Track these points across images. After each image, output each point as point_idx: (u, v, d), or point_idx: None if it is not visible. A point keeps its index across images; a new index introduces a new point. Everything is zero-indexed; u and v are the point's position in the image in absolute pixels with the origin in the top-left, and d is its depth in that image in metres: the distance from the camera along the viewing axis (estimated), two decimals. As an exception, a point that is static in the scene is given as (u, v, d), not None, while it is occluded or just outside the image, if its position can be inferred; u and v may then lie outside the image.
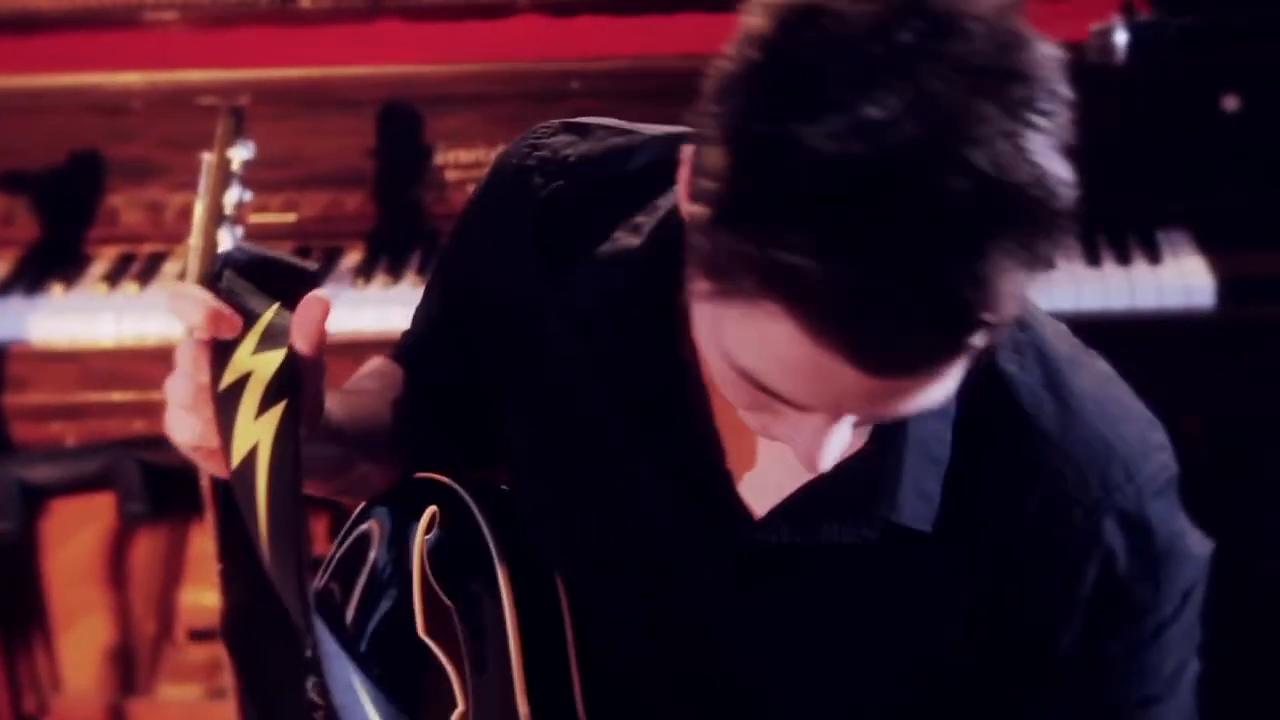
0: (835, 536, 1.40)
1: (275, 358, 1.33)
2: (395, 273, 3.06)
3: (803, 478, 1.39)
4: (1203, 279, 2.80)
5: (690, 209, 1.20)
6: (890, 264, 1.09)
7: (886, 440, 1.38)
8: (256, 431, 1.31)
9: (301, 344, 1.33)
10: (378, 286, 3.03)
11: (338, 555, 1.68)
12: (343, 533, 1.69)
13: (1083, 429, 1.38)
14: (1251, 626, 2.64)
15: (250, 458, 1.32)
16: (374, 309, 2.94)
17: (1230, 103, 2.85)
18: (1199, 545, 1.43)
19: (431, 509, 1.58)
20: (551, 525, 1.56)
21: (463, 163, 3.10)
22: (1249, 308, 2.75)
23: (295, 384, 1.33)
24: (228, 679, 3.30)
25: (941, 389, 1.22)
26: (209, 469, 1.40)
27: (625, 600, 1.54)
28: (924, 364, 1.17)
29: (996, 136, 1.09)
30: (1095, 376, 1.42)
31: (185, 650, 3.72)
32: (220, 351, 1.34)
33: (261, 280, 1.37)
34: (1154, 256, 2.85)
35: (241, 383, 1.33)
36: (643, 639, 1.54)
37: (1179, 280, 2.79)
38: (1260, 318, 2.74)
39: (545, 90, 3.08)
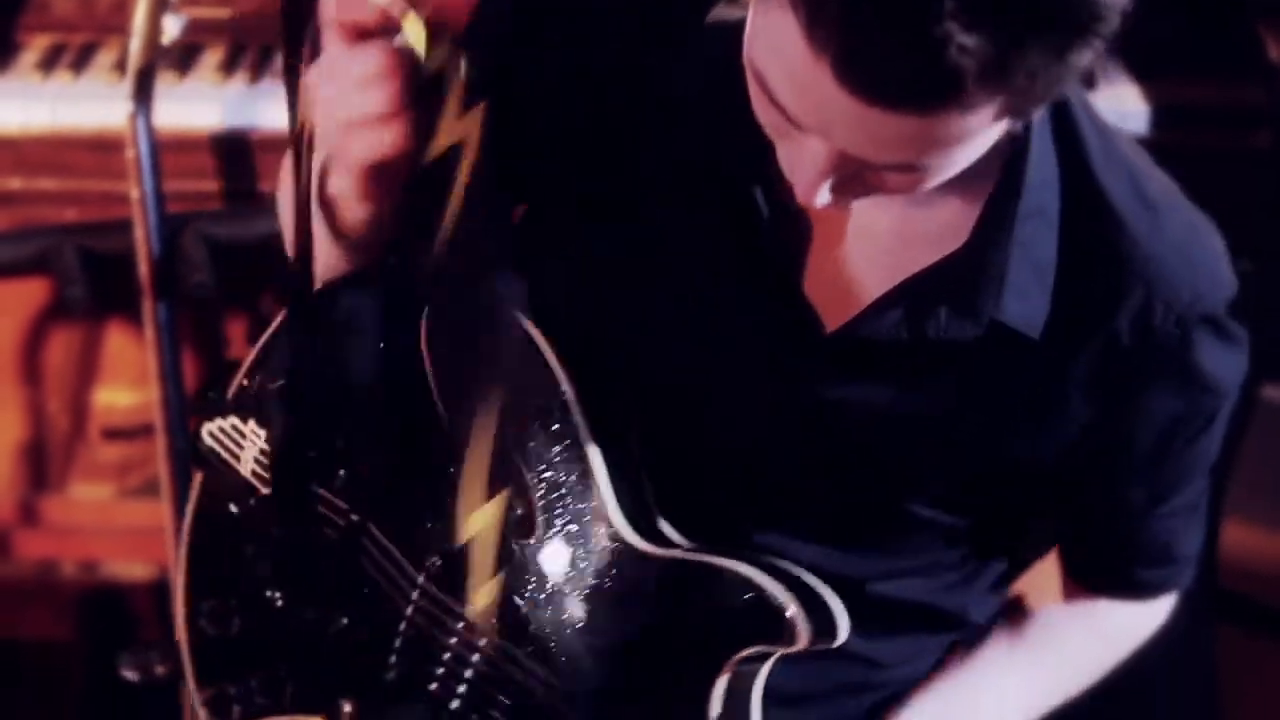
0: (941, 331, 1.42)
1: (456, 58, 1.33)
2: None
3: (899, 275, 1.41)
4: (1136, 105, 2.83)
5: None
6: None
7: (989, 239, 1.40)
8: (460, 128, 1.33)
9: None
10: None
11: None
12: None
13: (1170, 238, 1.43)
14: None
15: (452, 153, 1.33)
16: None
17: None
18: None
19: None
20: (624, 324, 1.57)
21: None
22: (1181, 133, 2.79)
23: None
24: (139, 479, 3.31)
25: (940, 149, 1.23)
26: (367, 191, 1.37)
27: (714, 395, 1.55)
28: (905, 97, 1.17)
29: None
30: (1167, 185, 1.47)
31: (98, 449, 3.69)
32: None
33: None
34: (1089, 82, 2.88)
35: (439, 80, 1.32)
36: (735, 435, 1.56)
37: (1114, 106, 2.82)
38: (1192, 143, 2.78)
39: None
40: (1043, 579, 1.69)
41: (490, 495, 1.47)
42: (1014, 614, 1.70)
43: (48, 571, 3.65)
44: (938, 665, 1.67)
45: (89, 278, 2.81)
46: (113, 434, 3.58)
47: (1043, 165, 1.39)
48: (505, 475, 1.47)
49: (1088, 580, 1.66)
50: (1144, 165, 1.46)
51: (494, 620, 1.54)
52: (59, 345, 3.66)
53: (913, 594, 1.59)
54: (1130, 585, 1.64)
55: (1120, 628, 1.68)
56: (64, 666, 3.47)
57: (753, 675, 1.48)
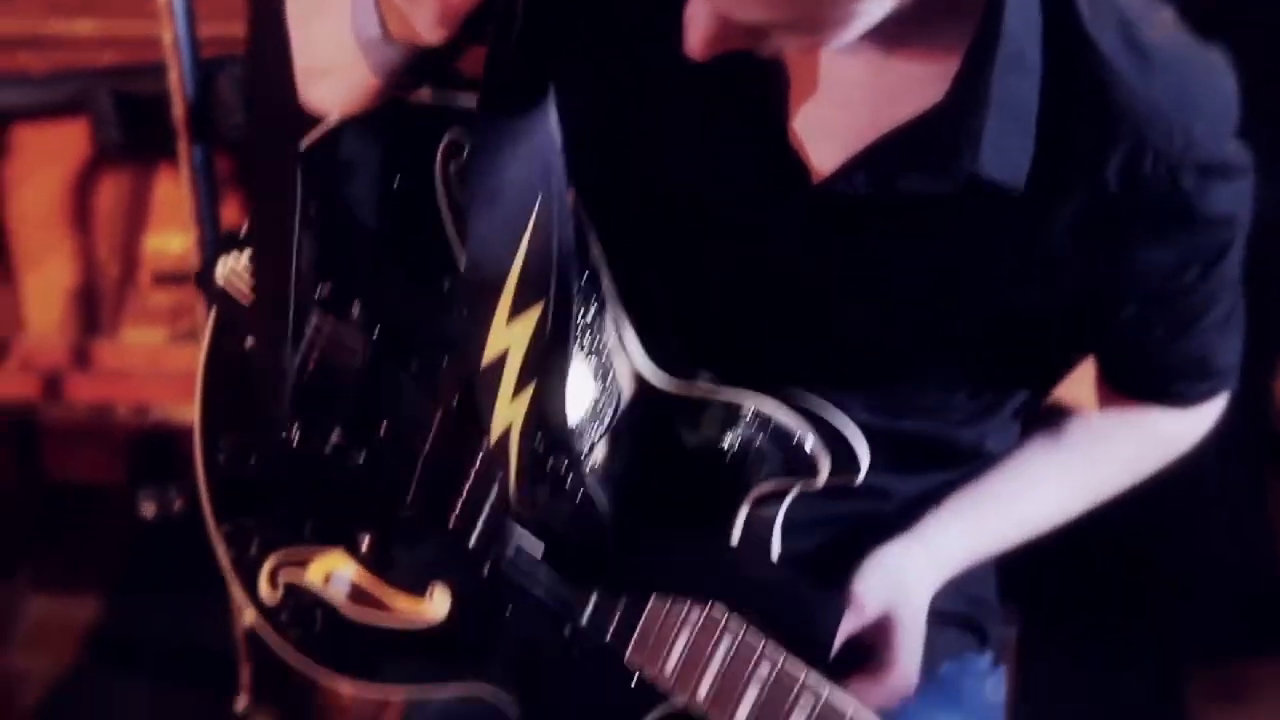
0: (914, 187, 1.39)
1: None
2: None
3: (878, 130, 1.39)
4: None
5: None
6: None
7: (966, 94, 1.36)
8: None
9: None
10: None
11: None
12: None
13: (1163, 84, 1.38)
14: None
15: None
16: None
17: None
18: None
19: (447, 139, 1.57)
20: (615, 175, 1.56)
21: None
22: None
23: None
24: (190, 323, 3.33)
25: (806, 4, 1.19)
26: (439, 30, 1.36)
27: (700, 249, 1.54)
28: None
29: None
30: (1168, 28, 1.41)
31: (149, 294, 3.71)
32: None
33: None
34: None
35: None
36: (723, 288, 1.55)
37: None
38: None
39: None
40: (1076, 390, 1.67)
41: (526, 306, 1.44)
42: (1049, 421, 1.67)
43: (100, 415, 3.68)
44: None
45: (125, 121, 2.81)
46: (163, 279, 3.60)
47: (1023, 12, 1.34)
48: (541, 289, 1.42)
49: (1125, 391, 1.63)
50: (1142, 9, 1.41)
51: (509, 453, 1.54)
52: (109, 191, 3.66)
53: (924, 430, 1.58)
54: (1171, 397, 1.61)
55: (1165, 432, 1.65)
56: (116, 509, 3.51)
57: (773, 509, 1.48)
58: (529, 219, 1.42)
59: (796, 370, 1.53)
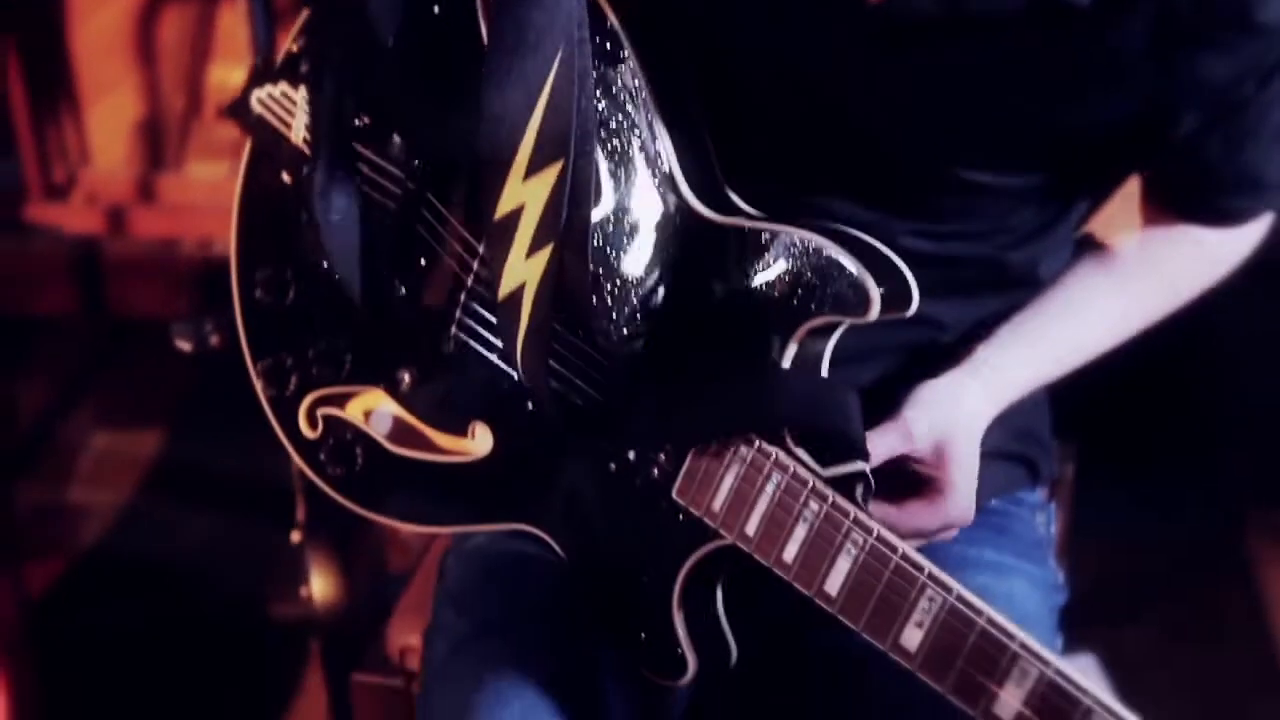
0: (982, 4, 1.34)
1: None
2: None
3: None
4: None
5: None
6: None
7: None
8: None
9: None
10: None
11: None
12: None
13: None
14: None
15: None
16: None
17: None
18: None
19: None
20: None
21: None
22: None
23: None
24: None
25: None
26: None
27: (753, 75, 1.48)
28: None
29: None
30: None
31: (213, 128, 3.70)
32: None
33: None
34: None
35: None
36: (776, 115, 1.49)
37: None
38: None
39: None
40: (1122, 217, 1.63)
41: (544, 164, 1.41)
42: (1094, 246, 1.63)
43: (163, 249, 3.69)
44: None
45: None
46: (229, 112, 3.57)
47: None
48: (560, 147, 1.41)
49: (1174, 208, 1.58)
50: None
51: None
52: (172, 23, 3.64)
53: (978, 253, 1.53)
54: (1220, 213, 1.56)
55: (1211, 248, 1.59)
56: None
57: (822, 343, 1.43)
58: (549, 73, 1.38)
59: (849, 199, 1.48)
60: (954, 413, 1.46)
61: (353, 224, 1.61)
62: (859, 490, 1.37)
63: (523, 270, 1.42)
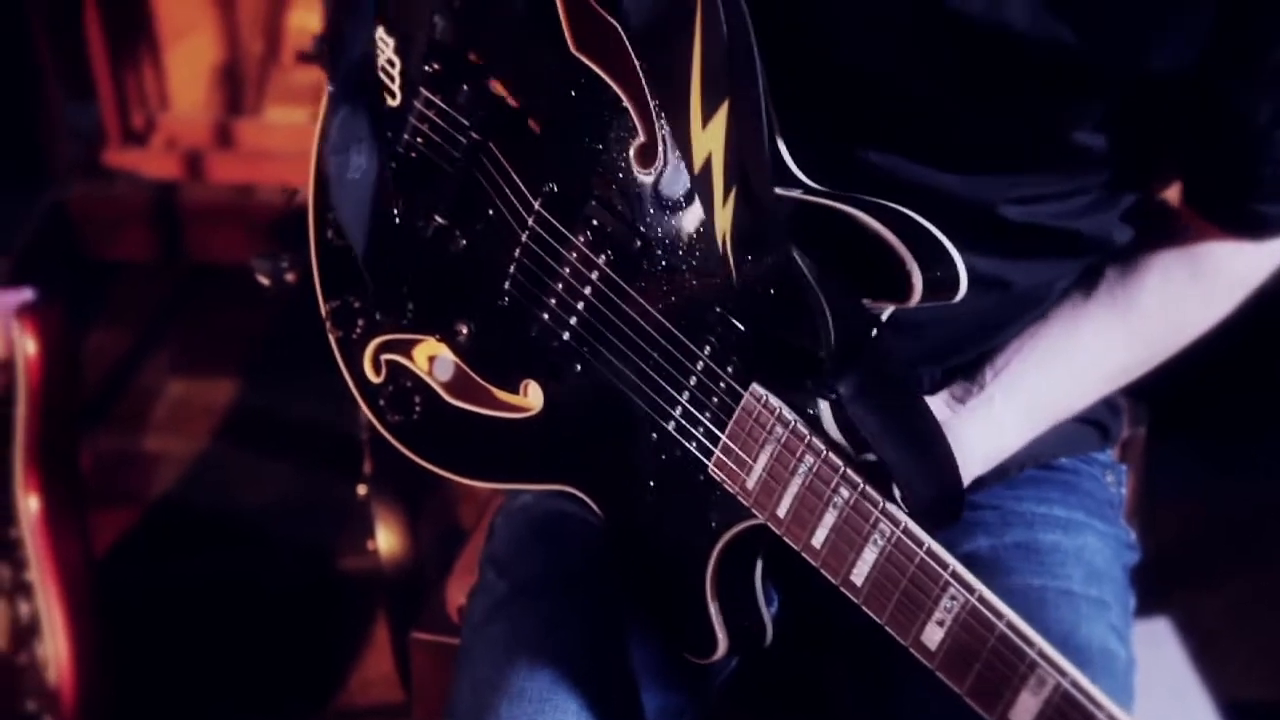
0: None
1: None
2: None
3: None
4: None
5: None
6: None
7: None
8: None
9: None
10: None
11: None
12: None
13: None
14: None
15: None
16: None
17: None
18: None
19: None
20: None
21: None
22: None
23: None
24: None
25: None
26: None
27: (844, 9, 1.44)
28: None
29: None
30: None
31: (292, 72, 3.68)
32: None
33: None
34: None
35: None
36: (862, 52, 1.45)
37: None
38: None
39: None
40: None
41: (715, 108, 1.38)
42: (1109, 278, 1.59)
43: (242, 195, 3.68)
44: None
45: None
46: (306, 57, 3.55)
47: None
48: (721, 80, 1.36)
49: (1205, 209, 1.53)
50: None
51: (608, 251, 1.47)
52: (252, -33, 3.63)
53: (1048, 219, 1.48)
54: (1246, 220, 1.51)
55: (1231, 274, 1.54)
56: (256, 291, 3.51)
57: (872, 329, 1.39)
58: (695, 15, 1.35)
59: (913, 154, 1.44)
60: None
61: (369, 184, 1.61)
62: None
63: (723, 220, 1.39)
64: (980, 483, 1.53)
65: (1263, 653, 2.69)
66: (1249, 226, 1.51)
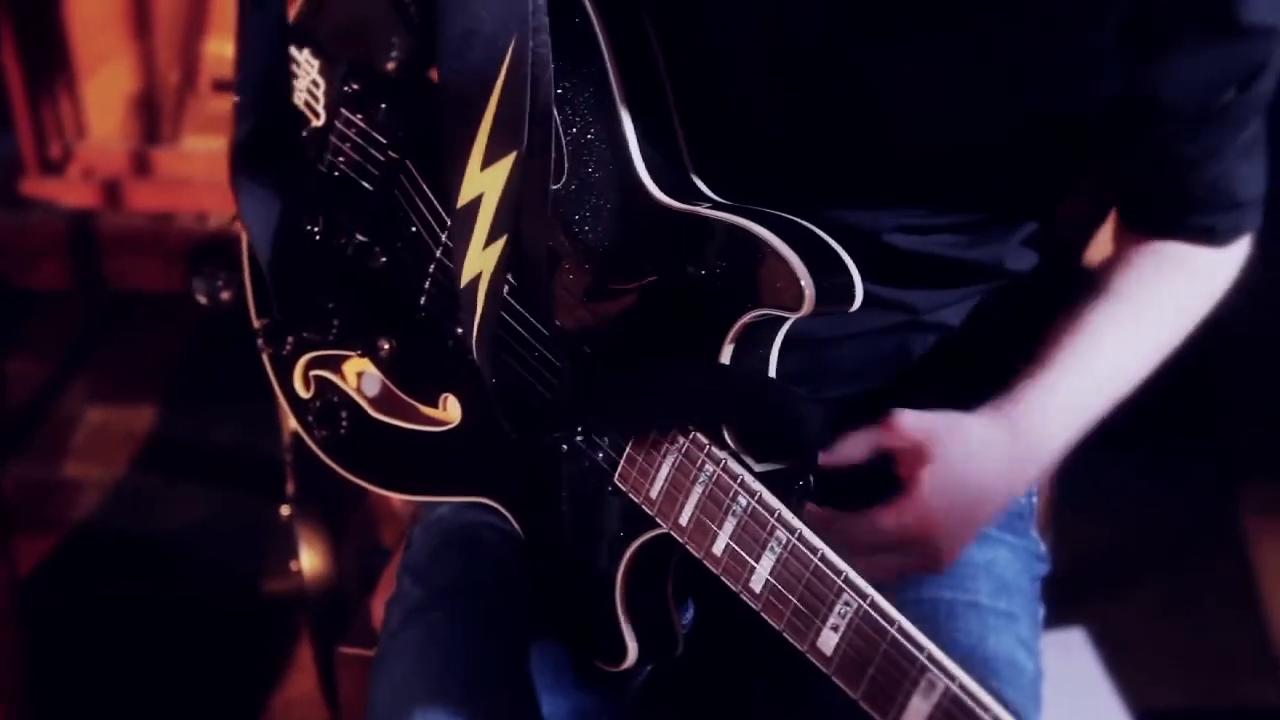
0: None
1: None
2: None
3: None
4: None
5: None
6: None
7: None
8: None
9: None
10: None
11: None
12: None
13: None
14: None
15: None
16: None
17: None
18: None
19: None
20: None
21: None
22: None
23: None
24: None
25: None
26: None
27: (744, 45, 1.46)
28: None
29: None
30: None
31: (209, 101, 3.68)
32: None
33: None
34: None
35: None
36: (760, 86, 1.47)
37: None
38: None
39: None
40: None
41: (501, 154, 1.39)
42: (1091, 278, 1.60)
43: (160, 223, 3.68)
44: (980, 310, 1.58)
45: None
46: (224, 85, 3.56)
47: None
48: (515, 137, 1.37)
49: (1149, 229, 1.54)
50: None
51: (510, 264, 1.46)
52: (168, -5, 3.63)
53: (939, 248, 1.50)
54: (1195, 231, 1.52)
55: (1205, 264, 1.55)
56: (175, 317, 3.52)
57: (769, 335, 1.41)
58: (503, 61, 1.36)
59: (805, 183, 1.46)
60: (952, 422, 1.39)
61: (275, 199, 1.64)
62: (796, 488, 1.34)
63: (479, 261, 1.41)
64: None
65: (1176, 660, 2.71)
66: (1198, 236, 1.53)
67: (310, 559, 2.43)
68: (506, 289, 1.45)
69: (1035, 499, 1.74)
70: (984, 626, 1.56)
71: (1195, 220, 1.52)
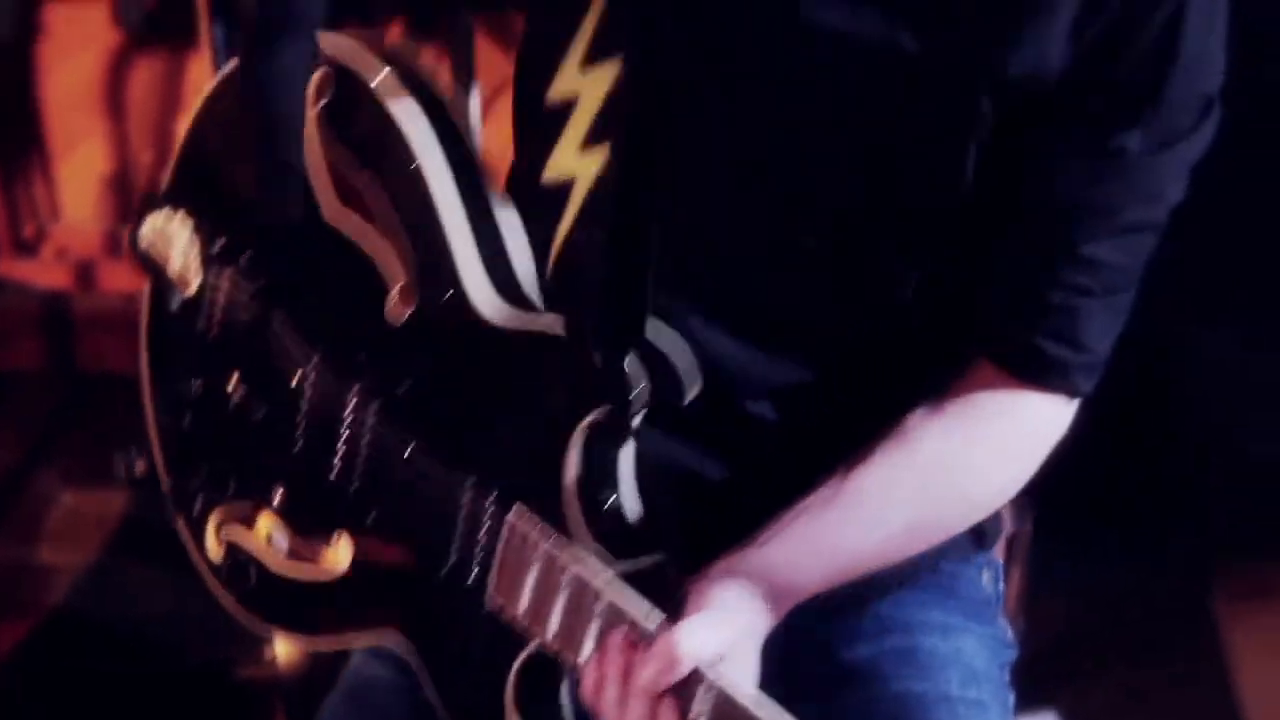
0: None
1: None
2: None
3: None
4: None
5: None
6: None
7: None
8: None
9: None
10: None
11: None
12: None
13: None
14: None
15: None
16: None
17: None
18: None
19: (320, 71, 1.54)
20: None
21: None
22: None
23: None
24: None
25: None
26: None
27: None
28: None
29: None
30: None
31: (183, 180, 3.69)
32: None
33: None
34: None
35: None
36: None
37: None
38: None
39: None
40: None
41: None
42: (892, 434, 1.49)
43: (134, 303, 3.66)
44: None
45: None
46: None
47: None
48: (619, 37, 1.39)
49: (989, 347, 1.47)
50: None
51: (379, 399, 1.52)
52: (141, 76, 3.64)
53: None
54: (1029, 356, 1.44)
55: (1023, 425, 1.49)
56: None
57: (619, 438, 1.39)
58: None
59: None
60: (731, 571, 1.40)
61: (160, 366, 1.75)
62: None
63: (572, 163, 1.45)
64: (863, 595, 1.55)
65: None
66: (1029, 366, 1.46)
67: (284, 647, 2.43)
68: None
69: (1002, 585, 1.74)
70: (955, 717, 1.56)
71: (1035, 341, 1.45)
